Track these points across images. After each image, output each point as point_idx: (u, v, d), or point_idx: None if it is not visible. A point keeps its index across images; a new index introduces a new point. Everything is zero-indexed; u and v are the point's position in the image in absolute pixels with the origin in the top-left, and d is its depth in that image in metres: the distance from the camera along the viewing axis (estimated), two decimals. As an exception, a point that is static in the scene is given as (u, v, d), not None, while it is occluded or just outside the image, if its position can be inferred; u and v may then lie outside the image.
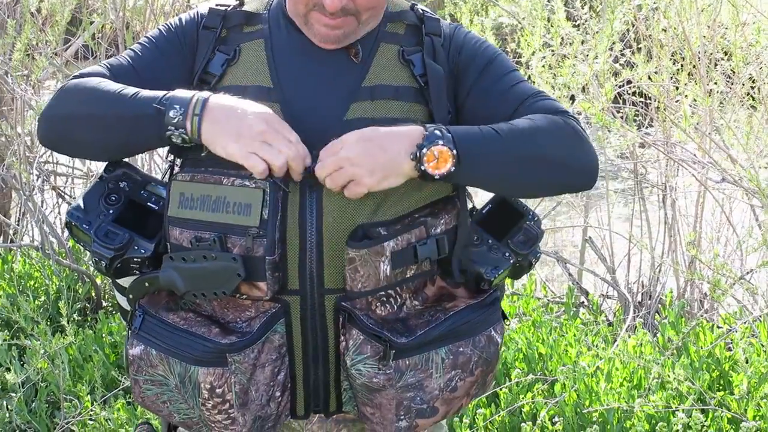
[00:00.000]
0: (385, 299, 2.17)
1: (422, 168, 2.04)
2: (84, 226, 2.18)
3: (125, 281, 2.26)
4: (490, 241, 2.26)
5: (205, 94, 2.08)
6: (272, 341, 2.15)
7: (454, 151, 2.05)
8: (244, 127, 2.04)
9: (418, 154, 2.04)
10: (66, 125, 2.19)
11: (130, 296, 2.23)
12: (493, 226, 2.29)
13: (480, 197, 2.38)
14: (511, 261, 2.25)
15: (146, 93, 2.11)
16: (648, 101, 5.00)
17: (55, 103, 2.20)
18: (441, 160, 2.04)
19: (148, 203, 2.23)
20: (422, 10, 2.27)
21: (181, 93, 2.09)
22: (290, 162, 2.05)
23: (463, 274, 2.23)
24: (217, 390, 2.12)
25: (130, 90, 2.12)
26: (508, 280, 2.42)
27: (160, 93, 2.10)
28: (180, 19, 2.27)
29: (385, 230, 2.12)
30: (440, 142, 2.04)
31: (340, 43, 2.17)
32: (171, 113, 2.06)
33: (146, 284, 2.19)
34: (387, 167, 2.05)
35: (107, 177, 2.24)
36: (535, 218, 2.31)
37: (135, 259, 2.18)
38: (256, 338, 2.13)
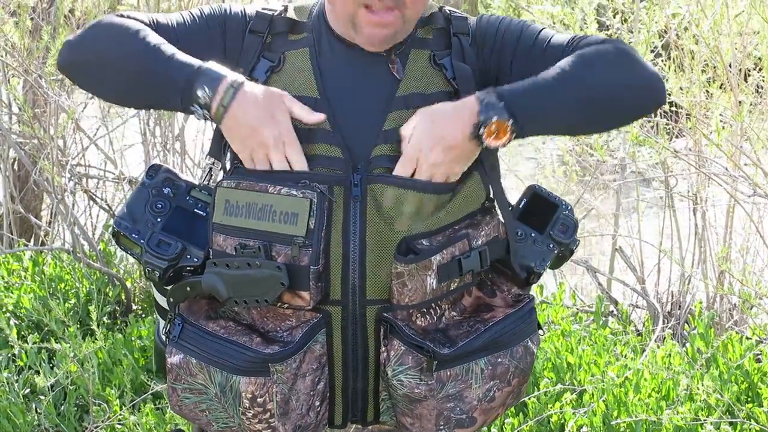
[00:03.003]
0: (425, 310, 2.21)
1: (485, 145, 2.10)
2: (134, 236, 2.21)
3: None
4: (533, 234, 2.31)
5: (235, 80, 2.10)
6: (313, 351, 2.18)
7: (510, 121, 2.08)
8: (258, 133, 2.10)
9: (477, 133, 2.08)
10: (93, 58, 2.18)
11: (171, 300, 2.26)
12: (531, 219, 2.34)
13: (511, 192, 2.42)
14: (555, 251, 2.31)
15: (181, 57, 2.12)
16: (678, 110, 5.01)
17: (89, 34, 2.20)
18: (501, 132, 2.08)
19: (195, 209, 2.26)
20: (449, 10, 2.29)
21: (213, 71, 2.10)
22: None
23: (511, 271, 2.28)
24: (259, 399, 2.15)
25: (168, 49, 2.13)
26: (536, 288, 2.46)
27: (194, 62, 2.11)
28: (229, 11, 2.27)
29: (428, 242, 2.15)
30: (494, 116, 2.07)
31: (387, 43, 2.19)
32: (199, 93, 2.09)
33: (188, 289, 2.22)
34: (462, 155, 2.12)
35: (149, 183, 2.27)
36: (569, 208, 2.35)
37: (187, 268, 2.21)
38: (298, 348, 2.16)
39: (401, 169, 2.12)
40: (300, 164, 2.12)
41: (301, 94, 2.19)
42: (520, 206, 2.36)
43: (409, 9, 2.17)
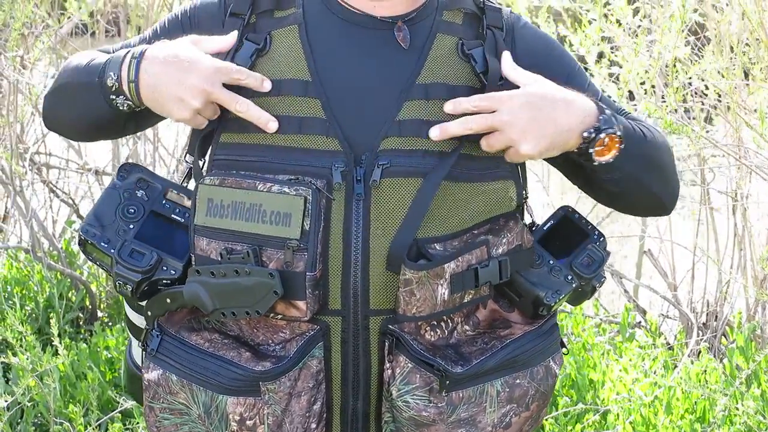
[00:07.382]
0: (435, 323, 2.20)
1: (590, 151, 2.14)
2: (103, 244, 2.19)
3: None
4: (551, 261, 2.29)
5: (137, 51, 2.16)
6: (310, 367, 2.17)
7: (623, 145, 2.16)
8: (181, 89, 2.11)
9: (594, 136, 2.12)
10: (49, 99, 2.32)
11: (149, 314, 2.24)
12: (554, 244, 2.33)
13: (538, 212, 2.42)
14: (574, 285, 2.29)
15: (100, 59, 2.21)
16: (707, 95, 5.00)
17: (55, 79, 2.31)
18: (607, 149, 2.14)
19: (173, 215, 2.25)
20: None
21: (117, 55, 2.18)
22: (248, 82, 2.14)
23: (519, 298, 2.27)
24: (248, 422, 2.14)
25: (92, 57, 2.23)
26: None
27: (104, 58, 2.20)
28: (199, 3, 2.31)
29: (441, 246, 2.15)
30: (616, 131, 2.14)
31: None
32: (108, 81, 2.15)
33: (168, 300, 2.20)
34: (554, 140, 2.13)
35: (120, 185, 2.25)
36: (601, 239, 2.35)
37: (164, 281, 2.20)
38: (293, 364, 2.14)
39: (467, 123, 2.12)
40: (258, 82, 2.16)
41: (290, 78, 2.18)
42: (545, 228, 2.36)
43: None
